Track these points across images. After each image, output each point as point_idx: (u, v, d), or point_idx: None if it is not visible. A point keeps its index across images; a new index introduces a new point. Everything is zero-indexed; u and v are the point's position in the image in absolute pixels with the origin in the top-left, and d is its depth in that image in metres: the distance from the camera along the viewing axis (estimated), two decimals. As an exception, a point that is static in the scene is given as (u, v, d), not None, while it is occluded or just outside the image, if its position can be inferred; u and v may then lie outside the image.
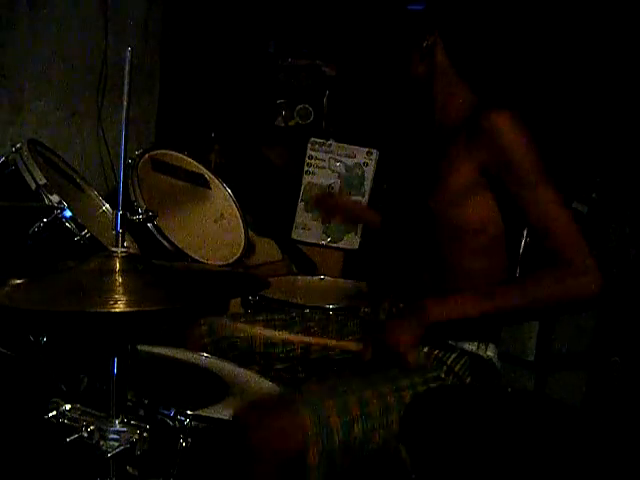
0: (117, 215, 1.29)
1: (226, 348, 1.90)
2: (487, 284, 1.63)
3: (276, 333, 1.89)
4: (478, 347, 1.70)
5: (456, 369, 1.68)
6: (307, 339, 1.85)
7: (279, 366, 1.91)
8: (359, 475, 1.59)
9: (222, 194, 2.84)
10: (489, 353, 1.71)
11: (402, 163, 1.91)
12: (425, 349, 1.69)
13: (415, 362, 1.62)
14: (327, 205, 2.21)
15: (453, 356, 1.69)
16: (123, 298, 1.18)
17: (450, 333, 1.68)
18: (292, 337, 1.86)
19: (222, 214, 2.77)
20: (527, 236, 1.84)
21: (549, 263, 1.56)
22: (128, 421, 1.31)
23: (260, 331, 1.88)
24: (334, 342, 1.81)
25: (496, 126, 1.55)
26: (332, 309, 2.12)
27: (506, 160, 1.56)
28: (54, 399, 1.34)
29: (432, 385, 1.64)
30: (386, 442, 1.55)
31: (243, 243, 2.68)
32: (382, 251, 1.98)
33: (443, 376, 1.67)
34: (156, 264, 1.42)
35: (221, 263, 2.53)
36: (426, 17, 1.67)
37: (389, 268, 1.86)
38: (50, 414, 1.32)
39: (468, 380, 1.70)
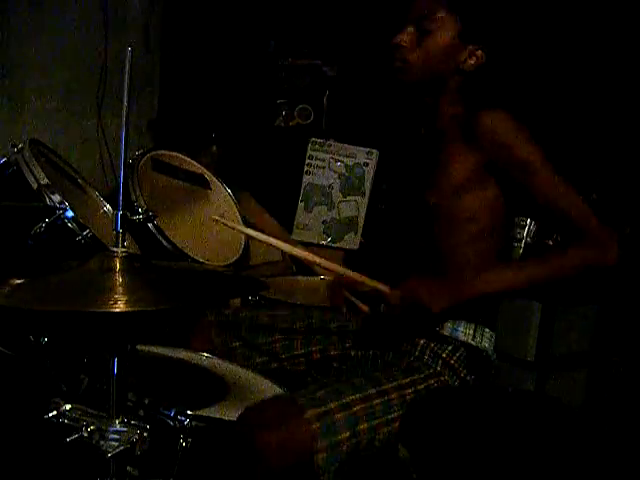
0: (117, 215, 1.29)
1: (237, 346, 1.89)
2: (512, 262, 1.69)
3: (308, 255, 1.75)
4: (474, 335, 1.70)
5: (452, 362, 1.69)
6: (340, 269, 1.72)
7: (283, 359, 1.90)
8: (359, 475, 1.59)
9: (222, 194, 2.84)
10: (485, 344, 1.72)
11: (400, 162, 1.92)
12: (422, 341, 1.70)
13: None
14: None
15: (449, 349, 1.69)
16: (123, 298, 1.18)
17: (450, 313, 1.68)
18: (328, 264, 1.71)
19: (222, 214, 2.77)
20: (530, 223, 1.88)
21: (564, 238, 1.69)
22: (128, 421, 1.31)
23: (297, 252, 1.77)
24: (364, 278, 1.70)
25: (490, 126, 1.63)
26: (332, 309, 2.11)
27: (507, 154, 1.63)
28: (54, 399, 1.34)
29: (431, 382, 1.65)
30: (388, 440, 1.55)
31: (243, 243, 2.68)
32: (382, 250, 1.97)
33: (439, 369, 1.67)
34: (156, 264, 1.43)
35: (221, 263, 2.52)
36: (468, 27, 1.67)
37: (390, 266, 1.86)
38: (50, 414, 1.32)
39: (464, 373, 1.70)
